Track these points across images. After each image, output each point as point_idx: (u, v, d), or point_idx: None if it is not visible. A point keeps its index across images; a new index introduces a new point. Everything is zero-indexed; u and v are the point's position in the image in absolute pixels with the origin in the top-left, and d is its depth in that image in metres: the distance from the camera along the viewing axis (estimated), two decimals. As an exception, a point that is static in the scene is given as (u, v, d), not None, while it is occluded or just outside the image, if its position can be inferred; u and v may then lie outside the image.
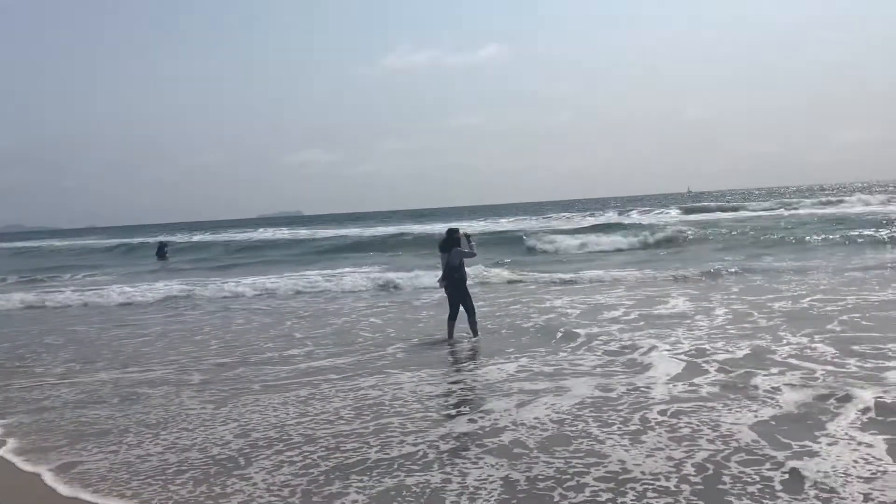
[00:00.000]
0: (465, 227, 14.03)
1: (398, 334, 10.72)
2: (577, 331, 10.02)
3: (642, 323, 10.44)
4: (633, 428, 5.65)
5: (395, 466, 5.13)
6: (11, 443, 6.30)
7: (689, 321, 10.37)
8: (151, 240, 48.61)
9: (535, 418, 6.07)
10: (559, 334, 9.90)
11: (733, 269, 16.36)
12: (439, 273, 10.43)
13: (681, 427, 5.62)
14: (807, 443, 5.11)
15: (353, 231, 47.23)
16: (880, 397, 6.05)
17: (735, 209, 44.37)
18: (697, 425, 5.62)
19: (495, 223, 47.42)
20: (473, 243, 10.36)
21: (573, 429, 5.75)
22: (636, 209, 53.49)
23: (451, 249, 10.06)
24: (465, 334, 10.12)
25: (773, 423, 5.62)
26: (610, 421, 5.87)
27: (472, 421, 6.14)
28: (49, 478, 5.39)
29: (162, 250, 38.30)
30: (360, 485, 4.82)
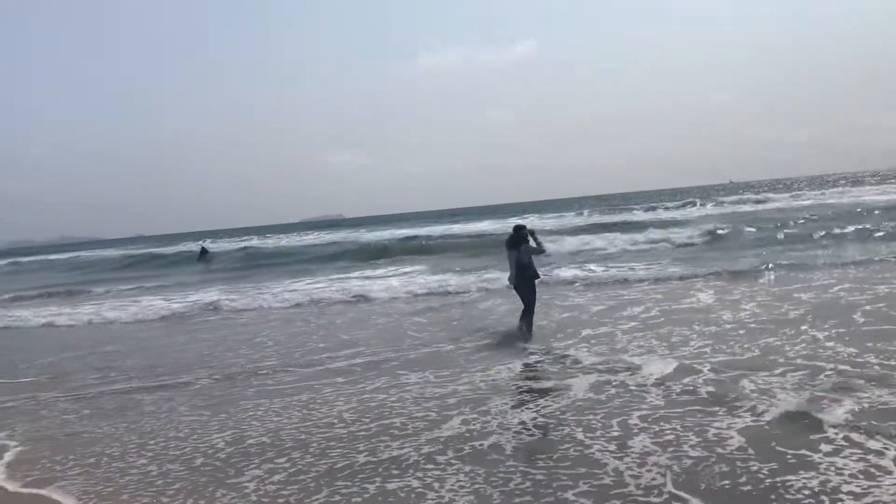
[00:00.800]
0: (521, 222, 13.75)
1: (447, 334, 10.60)
2: (593, 329, 9.89)
3: (662, 320, 10.21)
4: (618, 433, 5.53)
5: (381, 470, 5.17)
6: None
7: (713, 316, 10.08)
8: (195, 246, 49.68)
9: (521, 423, 6.03)
10: (573, 331, 9.81)
11: (768, 263, 15.75)
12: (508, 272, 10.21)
13: (666, 433, 5.46)
14: (804, 451, 4.86)
15: (394, 233, 47.06)
16: (888, 402, 5.71)
17: (778, 200, 42.99)
18: (683, 430, 5.45)
19: (525, 219, 46.86)
20: (540, 239, 10.16)
21: (559, 433, 5.69)
22: (670, 203, 52.14)
23: (520, 247, 9.82)
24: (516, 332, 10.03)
25: (766, 427, 5.40)
26: (594, 426, 5.77)
27: (465, 423, 6.12)
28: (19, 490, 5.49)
29: (204, 254, 40.27)
30: (346, 491, 4.86)
